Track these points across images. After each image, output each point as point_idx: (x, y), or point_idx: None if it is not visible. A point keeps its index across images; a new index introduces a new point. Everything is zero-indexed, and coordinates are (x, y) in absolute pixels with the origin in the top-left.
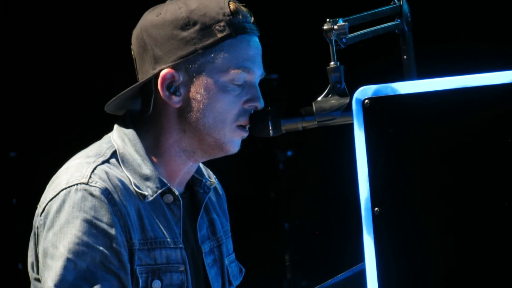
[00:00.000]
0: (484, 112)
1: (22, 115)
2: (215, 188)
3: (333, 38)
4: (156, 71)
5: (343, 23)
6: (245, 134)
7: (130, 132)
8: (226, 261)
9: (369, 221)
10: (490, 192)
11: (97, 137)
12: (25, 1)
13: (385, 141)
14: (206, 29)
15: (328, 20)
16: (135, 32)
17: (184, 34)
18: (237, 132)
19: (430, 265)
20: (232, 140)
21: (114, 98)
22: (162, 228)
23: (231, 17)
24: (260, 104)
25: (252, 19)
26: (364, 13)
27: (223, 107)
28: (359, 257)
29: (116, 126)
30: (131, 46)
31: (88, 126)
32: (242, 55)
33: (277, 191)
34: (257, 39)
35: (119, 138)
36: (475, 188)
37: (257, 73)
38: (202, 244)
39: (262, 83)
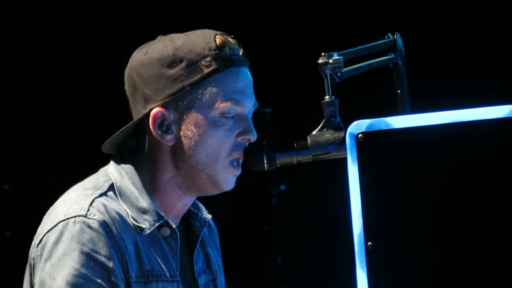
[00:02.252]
0: (477, 146)
1: (16, 147)
2: (208, 223)
3: (328, 72)
4: (147, 110)
5: (338, 57)
6: (237, 172)
7: (127, 166)
8: None
9: (362, 256)
10: (483, 227)
11: (92, 170)
12: (16, 36)
13: (378, 176)
14: (193, 65)
15: (323, 54)
16: (126, 71)
17: (171, 72)
18: (229, 170)
19: None
20: (226, 178)
21: (110, 138)
22: (159, 261)
23: (217, 51)
24: (253, 137)
25: (241, 50)
26: (359, 47)
27: (215, 142)
28: None
29: (112, 160)
30: (124, 86)
31: (82, 158)
32: (231, 88)
33: (270, 224)
34: (246, 70)
35: (116, 171)
36: (469, 223)
37: (248, 105)
38: (198, 277)
39: (256, 117)
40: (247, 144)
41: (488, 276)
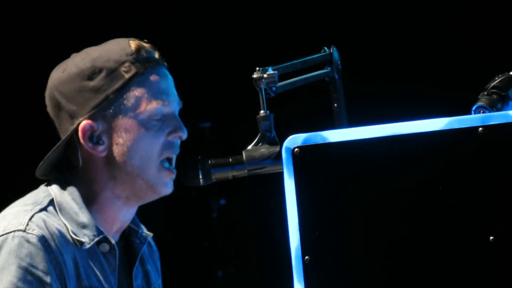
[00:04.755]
0: (414, 159)
1: None
2: (148, 242)
3: (262, 86)
4: (74, 126)
5: (273, 72)
6: (172, 174)
7: (67, 182)
8: None
9: (299, 270)
10: (420, 238)
11: (33, 187)
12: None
13: (315, 190)
14: (113, 73)
15: (257, 68)
16: (46, 93)
17: (93, 83)
18: (163, 172)
19: None
20: (162, 181)
21: (41, 163)
22: (98, 277)
23: (134, 55)
24: (183, 134)
25: (157, 53)
26: (294, 61)
27: (146, 144)
28: None
29: (52, 176)
30: (47, 109)
31: (24, 176)
32: (154, 89)
33: (211, 239)
34: (166, 71)
35: (56, 187)
36: (405, 236)
37: (173, 104)
38: None
39: (195, 131)
40: (179, 142)
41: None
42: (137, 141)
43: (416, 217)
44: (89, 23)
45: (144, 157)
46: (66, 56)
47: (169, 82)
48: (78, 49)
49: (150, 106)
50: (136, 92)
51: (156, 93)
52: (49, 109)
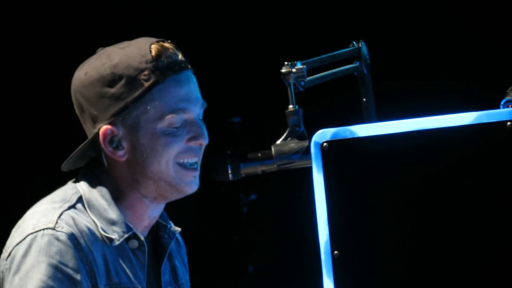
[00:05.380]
0: (442, 154)
1: None
2: (176, 237)
3: (291, 81)
4: (96, 130)
5: (301, 66)
6: (194, 173)
7: (95, 178)
8: None
9: (328, 264)
10: (449, 234)
11: (62, 182)
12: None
13: (343, 184)
14: (132, 81)
15: (286, 63)
16: (71, 92)
17: (113, 90)
18: (184, 172)
19: None
20: (185, 181)
21: (68, 159)
22: (127, 273)
23: (154, 62)
24: (204, 141)
25: (180, 54)
26: (323, 56)
27: (164, 150)
28: None
29: (80, 172)
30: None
31: (52, 171)
32: (174, 98)
33: (241, 234)
34: (188, 73)
35: (85, 184)
36: (435, 230)
37: (194, 110)
38: None
39: (225, 126)
40: (199, 147)
41: (457, 284)
42: (156, 148)
43: (444, 211)
44: (113, 15)
45: (162, 162)
46: (88, 50)
47: (191, 87)
48: (103, 43)
49: (170, 115)
50: (156, 101)
51: (176, 101)
52: (75, 107)
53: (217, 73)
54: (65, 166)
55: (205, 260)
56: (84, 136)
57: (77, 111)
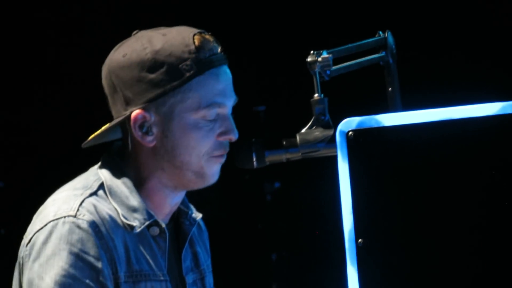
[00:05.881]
0: (467, 144)
1: (10, 144)
2: (198, 223)
3: (317, 70)
4: (127, 112)
5: (327, 55)
6: (222, 159)
7: (117, 165)
8: None
9: (353, 253)
10: (474, 223)
11: (84, 168)
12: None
13: (368, 173)
14: (173, 69)
15: (312, 52)
16: (104, 71)
17: (152, 76)
18: (213, 161)
19: None
20: (211, 170)
21: (91, 137)
22: (148, 261)
23: (197, 54)
24: (234, 136)
25: (219, 48)
26: (349, 45)
27: (196, 143)
28: None
29: (102, 159)
30: (102, 82)
31: (74, 157)
32: (212, 91)
33: (265, 222)
34: (226, 69)
35: (106, 170)
36: (459, 220)
37: (228, 105)
38: (186, 276)
39: (250, 115)
40: (228, 142)
41: (481, 273)
42: (187, 139)
43: (469, 201)
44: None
45: (192, 154)
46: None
47: (227, 82)
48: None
49: (205, 108)
50: (194, 92)
51: (212, 95)
52: (105, 86)
53: (243, 61)
54: (87, 144)
55: (229, 247)
56: (108, 118)
57: (107, 91)
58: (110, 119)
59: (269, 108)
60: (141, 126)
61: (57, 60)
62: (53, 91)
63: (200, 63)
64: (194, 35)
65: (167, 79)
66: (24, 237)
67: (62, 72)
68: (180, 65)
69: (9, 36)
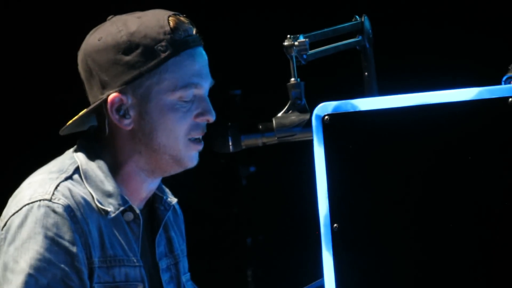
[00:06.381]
0: (444, 129)
1: None
2: (173, 207)
3: (293, 54)
4: (104, 96)
5: (304, 40)
6: (200, 147)
7: (93, 149)
8: (183, 279)
9: (328, 237)
10: (448, 208)
11: (59, 152)
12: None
13: (344, 158)
14: (149, 51)
15: (288, 36)
16: (80, 56)
17: (127, 58)
18: (191, 146)
19: (388, 282)
20: (189, 155)
21: (68, 123)
22: (122, 246)
23: (172, 35)
24: (211, 117)
25: (194, 30)
26: (325, 30)
27: (174, 125)
28: (320, 272)
29: (78, 142)
30: (78, 68)
31: (49, 140)
32: (188, 72)
33: (240, 206)
34: (201, 50)
35: (82, 154)
36: (434, 204)
37: (205, 86)
38: (159, 261)
39: (225, 99)
40: (205, 124)
41: (457, 256)
42: (164, 121)
43: (444, 187)
44: None
45: (170, 136)
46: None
47: (203, 63)
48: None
49: (182, 89)
50: (170, 73)
51: (189, 76)
52: (81, 70)
53: (218, 44)
54: (64, 131)
55: (204, 232)
56: (84, 103)
57: (83, 76)
58: (86, 105)
59: (245, 92)
60: (118, 109)
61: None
62: (26, 71)
63: (176, 44)
64: (169, 16)
65: (143, 60)
66: None
67: (38, 53)
68: (156, 46)
69: None
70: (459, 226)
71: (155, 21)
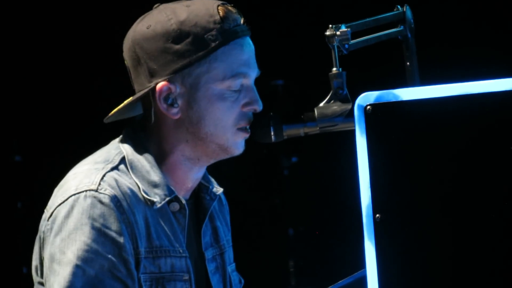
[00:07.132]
0: (486, 119)
1: (27, 118)
2: (219, 197)
3: (335, 44)
4: (152, 84)
5: (346, 29)
6: (247, 135)
7: (138, 139)
8: (229, 269)
9: (370, 228)
10: (491, 199)
11: (103, 142)
12: (28, 4)
13: (386, 147)
14: (199, 40)
15: (330, 26)
16: (127, 44)
17: (177, 47)
18: (239, 134)
19: (430, 272)
20: (236, 142)
21: (113, 112)
22: (168, 236)
23: (222, 24)
24: (258, 107)
25: (242, 19)
26: (367, 19)
27: (222, 114)
28: (362, 263)
29: (124, 132)
30: (124, 55)
31: (94, 130)
32: (237, 61)
33: (282, 197)
34: (249, 40)
35: (128, 144)
36: (477, 195)
37: (252, 75)
38: (205, 251)
39: (268, 89)
40: (252, 113)
41: (500, 250)
42: (212, 110)
43: (486, 177)
44: None
45: (218, 125)
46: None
47: (251, 53)
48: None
49: (231, 78)
50: (219, 63)
51: (237, 66)
52: (127, 58)
53: (260, 34)
54: (109, 119)
55: (246, 222)
56: (129, 91)
57: (130, 63)
58: (129, 94)
59: (287, 82)
60: (166, 98)
61: (74, 29)
62: (72, 63)
63: (225, 33)
64: (218, 6)
65: (193, 49)
66: (45, 210)
67: (81, 42)
68: (206, 35)
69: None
70: (504, 218)
71: (205, 10)
